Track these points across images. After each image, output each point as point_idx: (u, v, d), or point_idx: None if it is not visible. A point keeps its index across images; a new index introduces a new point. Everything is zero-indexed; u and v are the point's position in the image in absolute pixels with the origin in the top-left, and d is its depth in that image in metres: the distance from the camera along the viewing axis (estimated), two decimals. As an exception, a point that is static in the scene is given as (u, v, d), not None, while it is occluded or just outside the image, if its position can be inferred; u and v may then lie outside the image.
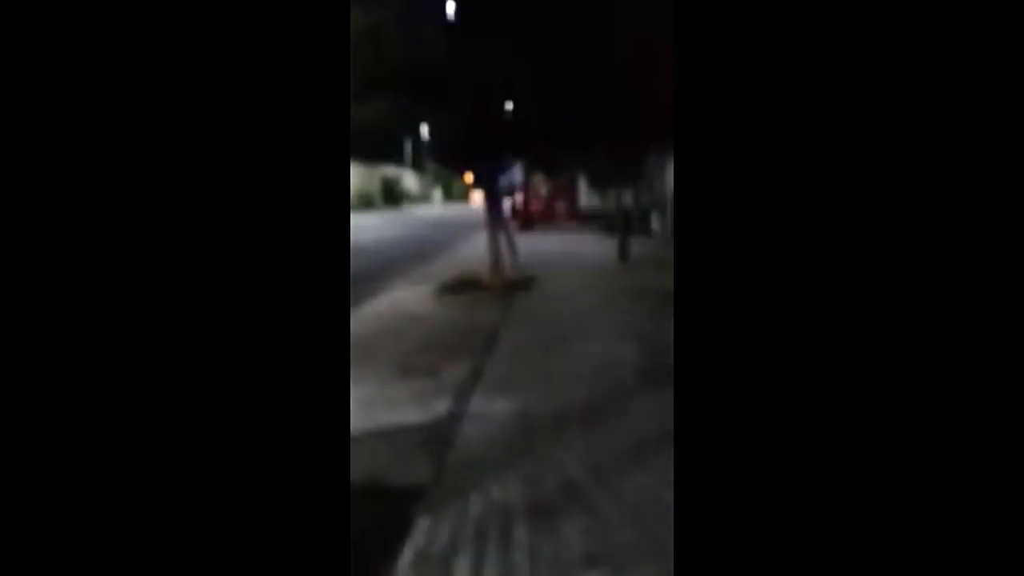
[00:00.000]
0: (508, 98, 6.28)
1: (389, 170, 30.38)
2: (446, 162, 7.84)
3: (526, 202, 16.44)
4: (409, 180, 33.87)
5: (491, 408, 3.26)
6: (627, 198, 12.03)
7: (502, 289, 6.70)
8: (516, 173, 10.71)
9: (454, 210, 23.45)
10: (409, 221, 20.82)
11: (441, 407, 3.27)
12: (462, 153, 6.62)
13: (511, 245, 7.31)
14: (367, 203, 26.66)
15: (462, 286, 6.88)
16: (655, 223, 15.98)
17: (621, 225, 10.78)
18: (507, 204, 15.07)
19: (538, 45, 6.34)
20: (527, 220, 15.78)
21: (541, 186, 17.51)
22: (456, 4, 5.80)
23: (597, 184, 11.71)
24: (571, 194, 16.27)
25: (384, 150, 27.23)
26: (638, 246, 11.25)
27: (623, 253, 10.45)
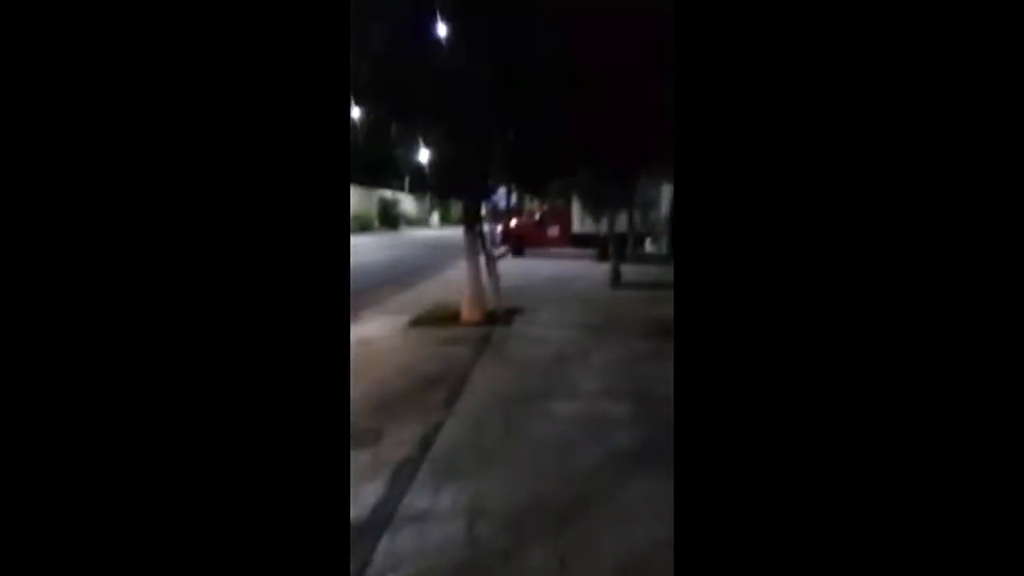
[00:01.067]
0: (489, 121, 5.45)
1: (387, 193, 29.73)
2: (426, 187, 7.00)
3: (518, 227, 15.65)
4: (407, 203, 33.11)
5: (434, 503, 2.36)
6: (621, 222, 11.24)
7: (480, 323, 5.82)
8: (501, 198, 9.90)
9: (450, 233, 22.85)
10: (404, 243, 20.04)
11: (367, 499, 2.37)
12: (440, 177, 5.74)
13: (493, 274, 6.44)
14: (364, 226, 25.91)
15: (437, 319, 6.01)
16: (649, 247, 15.22)
17: (614, 249, 9.98)
18: (498, 229, 14.29)
19: (522, 64, 5.49)
20: (518, 245, 14.98)
21: (536, 210, 16.75)
22: (445, 24, 4.98)
23: (591, 208, 10.91)
24: (565, 218, 15.45)
25: (382, 174, 26.66)
26: (632, 270, 10.43)
27: (615, 279, 9.63)
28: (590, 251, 13.77)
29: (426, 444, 2.94)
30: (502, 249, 12.17)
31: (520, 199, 18.85)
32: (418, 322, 5.90)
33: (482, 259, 6.29)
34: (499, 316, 6.13)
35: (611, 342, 5.15)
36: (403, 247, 17.65)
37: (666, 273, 10.50)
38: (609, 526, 2.19)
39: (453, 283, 7.94)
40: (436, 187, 6.18)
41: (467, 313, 5.99)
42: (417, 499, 2.39)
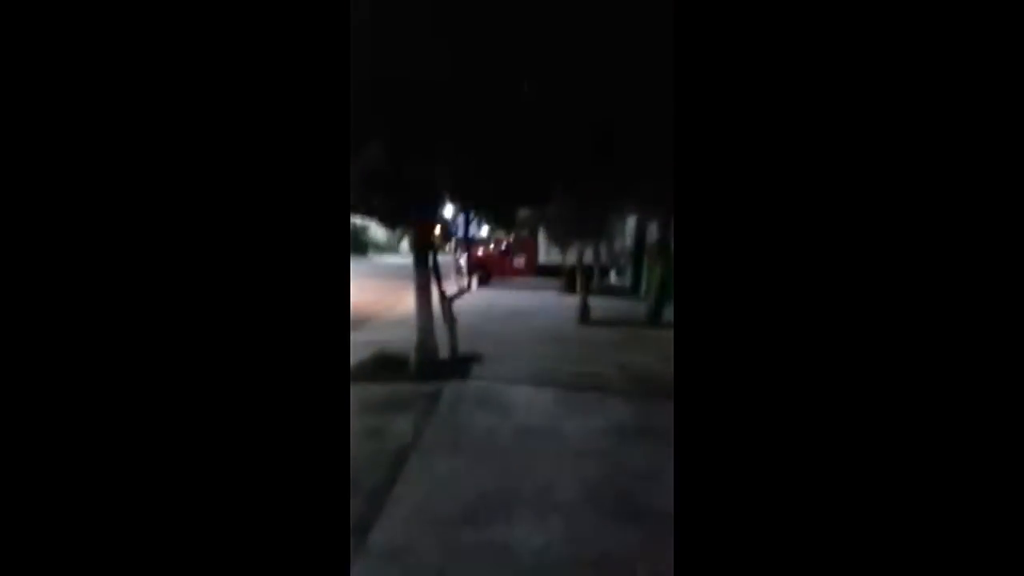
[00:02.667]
0: (438, 135, 4.26)
1: (355, 220, 28.30)
2: (367, 212, 5.71)
3: (484, 257, 14.53)
4: (377, 230, 31.66)
5: None
6: (587, 254, 10.18)
7: (431, 376, 4.53)
8: (460, 226, 8.69)
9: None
10: (369, 270, 18.62)
11: None
12: (382, 199, 4.49)
13: (448, 316, 5.19)
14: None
15: (380, 370, 4.69)
16: (614, 279, 14.25)
17: (582, 282, 8.88)
18: (462, 259, 13.05)
19: (475, 71, 4.36)
20: (485, 275, 13.85)
21: (502, 240, 15.70)
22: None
23: (558, 239, 9.85)
24: (531, 248, 14.40)
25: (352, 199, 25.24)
26: (599, 304, 9.32)
27: (584, 315, 8.50)
28: (556, 282, 12.76)
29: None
30: (464, 282, 10.84)
31: (491, 229, 17.78)
32: (355, 376, 4.57)
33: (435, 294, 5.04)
34: (454, 366, 4.86)
35: (587, 405, 3.94)
36: (367, 275, 16.20)
37: (634, 308, 9.45)
38: None
39: (412, 318, 6.64)
40: (373, 208, 4.88)
41: (415, 364, 4.69)
42: None
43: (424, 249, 4.90)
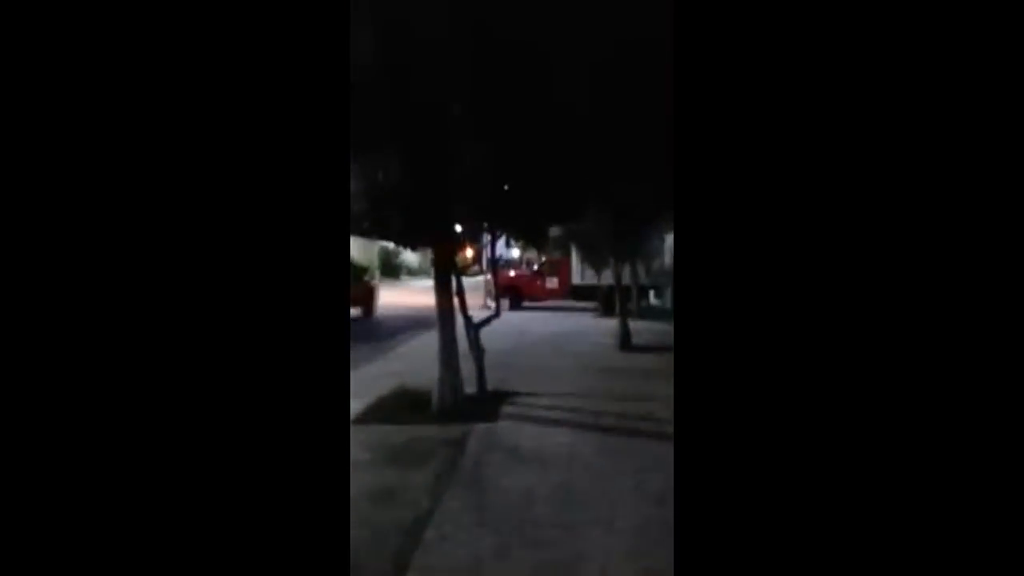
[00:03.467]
0: (460, 147, 3.77)
1: (388, 244, 28.36)
2: (383, 232, 5.25)
3: (516, 278, 13.98)
4: (409, 253, 31.66)
5: None
6: (624, 275, 9.48)
7: (455, 417, 3.94)
8: (487, 246, 8.20)
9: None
10: (402, 292, 18.37)
11: None
12: (400, 221, 4.00)
13: (475, 346, 4.62)
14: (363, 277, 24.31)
15: (398, 410, 4.14)
16: (653, 300, 13.44)
17: (620, 306, 8.17)
18: (489, 280, 12.50)
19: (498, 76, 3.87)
20: (516, 298, 13.26)
21: (533, 261, 15.16)
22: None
23: (592, 259, 9.19)
24: (564, 269, 13.79)
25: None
26: (640, 328, 8.57)
27: (625, 340, 7.79)
28: (591, 304, 12.09)
29: None
30: (492, 304, 10.22)
31: (522, 249, 17.36)
32: (371, 415, 4.03)
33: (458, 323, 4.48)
34: (482, 405, 4.26)
35: (639, 456, 3.27)
36: (398, 298, 15.89)
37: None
38: None
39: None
40: (389, 228, 4.40)
41: (438, 402, 4.12)
42: None
43: (445, 271, 4.37)
